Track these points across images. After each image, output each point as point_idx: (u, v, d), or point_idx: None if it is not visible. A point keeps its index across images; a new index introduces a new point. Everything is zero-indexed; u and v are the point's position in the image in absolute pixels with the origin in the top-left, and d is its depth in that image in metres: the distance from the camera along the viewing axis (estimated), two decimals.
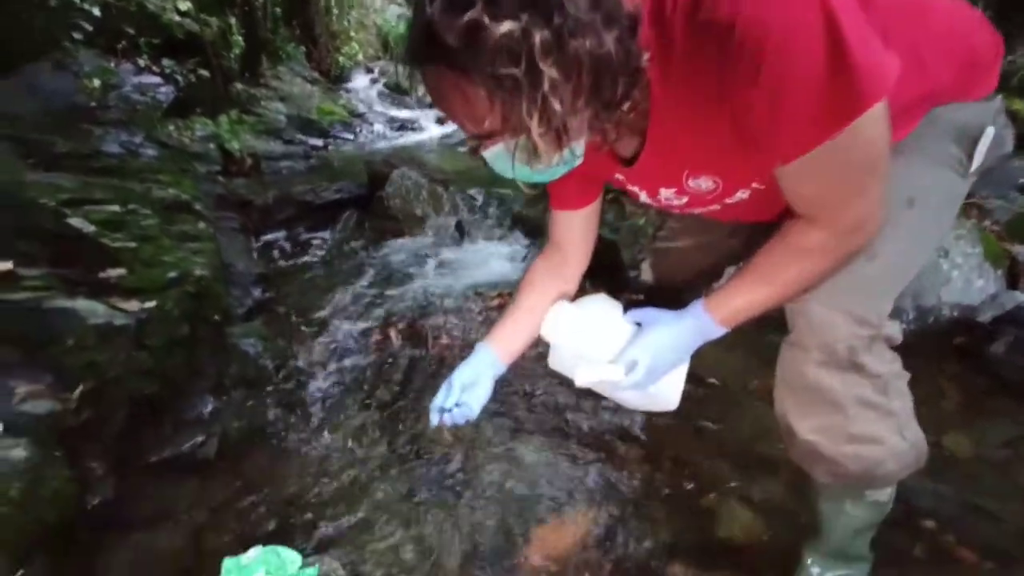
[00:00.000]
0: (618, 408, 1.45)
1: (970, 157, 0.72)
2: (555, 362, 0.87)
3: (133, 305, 1.29)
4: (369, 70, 8.50)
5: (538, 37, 0.47)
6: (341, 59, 7.86)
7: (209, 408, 1.49)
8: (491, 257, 2.56)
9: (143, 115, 3.81)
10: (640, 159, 0.71)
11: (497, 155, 0.61)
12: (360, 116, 6.32)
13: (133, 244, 1.47)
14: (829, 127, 0.54)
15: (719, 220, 0.94)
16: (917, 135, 0.71)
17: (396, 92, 7.74)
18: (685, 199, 0.77)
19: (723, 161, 0.68)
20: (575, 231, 0.92)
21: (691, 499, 1.19)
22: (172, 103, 4.15)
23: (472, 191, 3.07)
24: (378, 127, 6.08)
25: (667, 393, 0.81)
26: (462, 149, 4.89)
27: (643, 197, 0.83)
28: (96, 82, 3.62)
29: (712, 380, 1.51)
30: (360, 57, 8.25)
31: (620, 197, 2.55)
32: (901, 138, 0.70)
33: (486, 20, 0.46)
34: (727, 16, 0.51)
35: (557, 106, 0.50)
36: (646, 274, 1.31)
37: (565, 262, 0.94)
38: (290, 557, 0.92)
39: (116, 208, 1.58)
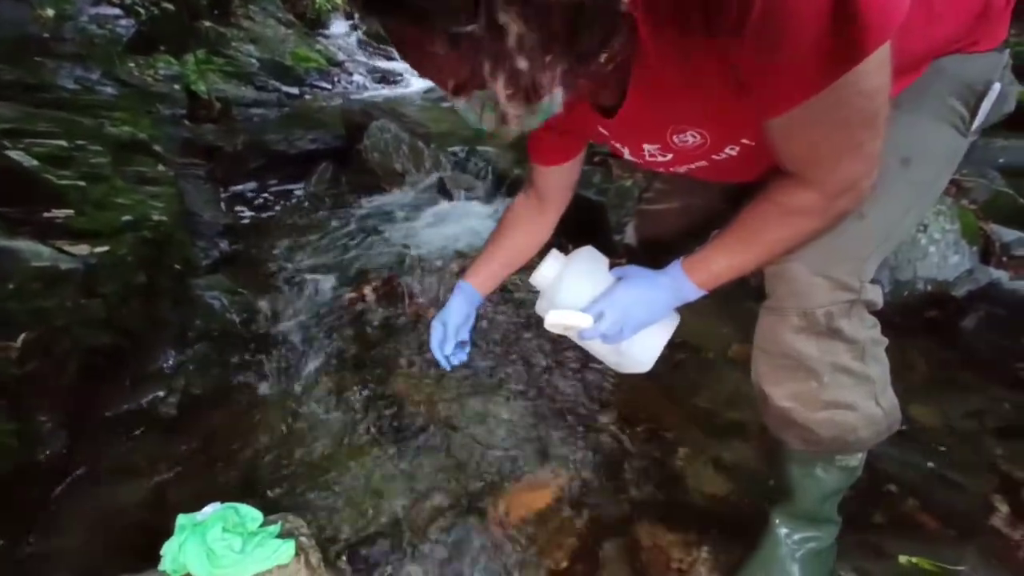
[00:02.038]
0: (594, 371, 1.44)
1: (973, 114, 0.68)
2: (540, 308, 0.88)
3: (82, 249, 1.20)
4: (349, 16, 8.03)
5: None
6: (319, 2, 7.40)
7: (171, 362, 1.42)
8: (473, 216, 2.49)
9: (101, 49, 3.54)
10: (622, 111, 0.66)
11: (466, 107, 0.54)
12: (339, 65, 6.00)
13: (81, 183, 1.36)
14: (827, 74, 0.49)
15: (707, 181, 0.90)
16: (918, 88, 0.66)
17: (377, 41, 7.36)
18: (670, 156, 0.73)
19: (711, 113, 0.63)
20: (553, 184, 0.92)
21: (663, 461, 1.20)
22: (133, 38, 3.86)
23: (455, 148, 2.97)
24: (358, 77, 5.79)
25: (640, 353, 0.81)
26: (446, 104, 4.71)
27: (627, 154, 0.78)
28: (50, 11, 3.33)
29: (690, 345, 1.50)
30: (339, 1, 7.78)
31: (608, 159, 2.49)
32: (901, 90, 0.66)
33: None
34: None
35: (523, 64, 0.44)
36: (630, 237, 1.28)
37: (543, 209, 0.95)
38: (251, 514, 0.88)
39: (62, 143, 1.44)
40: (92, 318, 1.20)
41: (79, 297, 1.17)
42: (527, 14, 0.42)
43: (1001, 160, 2.36)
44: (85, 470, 1.18)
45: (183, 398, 1.33)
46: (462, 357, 0.95)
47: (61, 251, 1.17)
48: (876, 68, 0.49)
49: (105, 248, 1.24)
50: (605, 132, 0.74)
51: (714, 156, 0.70)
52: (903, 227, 0.73)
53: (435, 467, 1.19)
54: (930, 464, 1.14)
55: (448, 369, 0.92)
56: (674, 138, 0.68)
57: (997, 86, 0.67)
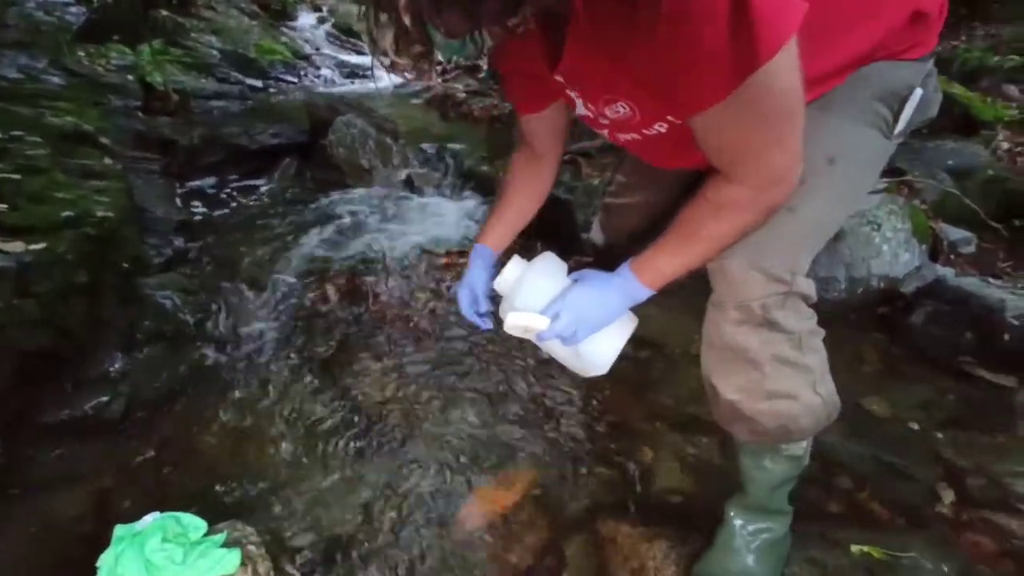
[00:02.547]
0: (559, 371, 1.43)
1: (896, 118, 0.71)
2: (502, 311, 0.89)
3: (16, 246, 1.13)
4: (317, 8, 7.85)
5: None
6: None
7: (117, 365, 1.35)
8: (441, 213, 2.45)
9: (48, 38, 3.34)
10: (561, 65, 0.68)
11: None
12: (305, 58, 5.85)
13: (16, 176, 1.27)
14: (728, 80, 0.52)
15: (663, 172, 0.94)
16: (845, 91, 0.69)
17: (346, 35, 7.20)
18: (607, 122, 0.75)
19: (635, 92, 0.66)
20: (540, 132, 0.93)
21: (627, 457, 1.20)
22: (84, 26, 3.66)
23: (424, 144, 2.93)
24: (325, 71, 5.65)
25: (597, 355, 0.82)
26: (416, 101, 4.64)
27: (579, 108, 0.80)
28: None
29: (654, 343, 1.51)
30: None
31: (577, 158, 2.50)
32: (828, 91, 0.69)
33: None
34: None
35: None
36: (596, 233, 1.28)
37: (537, 158, 0.97)
38: (193, 524, 0.84)
39: None
40: (27, 319, 1.13)
41: (12, 297, 1.09)
42: None
43: (950, 162, 2.46)
44: (21, 479, 1.11)
45: (129, 403, 1.26)
46: (489, 325, 0.97)
47: None
48: (783, 69, 0.52)
49: (42, 245, 1.16)
50: (560, 80, 0.75)
51: (645, 131, 0.72)
52: (832, 222, 0.77)
53: (397, 468, 1.17)
54: (880, 455, 1.18)
55: (484, 329, 0.95)
56: (607, 108, 0.71)
57: (919, 92, 0.70)
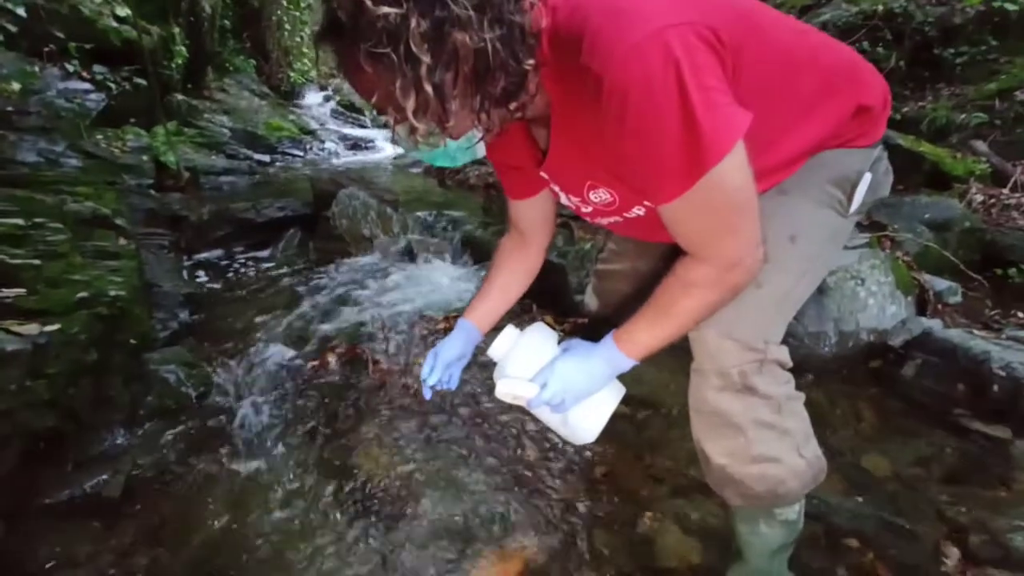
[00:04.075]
0: (558, 436, 1.44)
1: (850, 199, 0.78)
2: (495, 378, 0.92)
3: (31, 329, 1.17)
4: (323, 87, 8.38)
5: (415, 23, 0.52)
6: (293, 75, 7.72)
7: (118, 441, 1.36)
8: (440, 279, 2.53)
9: (68, 123, 3.55)
10: (549, 158, 0.76)
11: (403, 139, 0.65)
12: (311, 133, 6.19)
13: (36, 261, 1.34)
14: (683, 181, 0.60)
15: (647, 243, 1.00)
16: (802, 176, 0.77)
17: (350, 111, 7.65)
18: (591, 208, 0.82)
19: (612, 181, 0.73)
20: (529, 216, 0.98)
21: (629, 524, 1.19)
22: (102, 111, 3.89)
23: (423, 212, 3.05)
24: (329, 145, 5.96)
25: (584, 424, 0.85)
26: (415, 170, 4.86)
27: (563, 199, 0.87)
28: (15, 85, 3.35)
29: (651, 402, 1.53)
30: (313, 74, 8.13)
31: (569, 221, 2.60)
32: (786, 178, 0.76)
33: (368, 2, 0.52)
34: (597, 71, 0.57)
35: (430, 90, 0.55)
36: (589, 297, 1.33)
37: (526, 242, 1.01)
38: None
39: (19, 222, 1.44)
40: (37, 400, 1.15)
41: (25, 379, 1.13)
42: (436, 51, 0.54)
43: (927, 215, 2.56)
44: (20, 565, 1.09)
45: (129, 481, 1.26)
46: (448, 386, 0.98)
47: (8, 332, 1.14)
48: (731, 170, 0.59)
49: (56, 326, 1.21)
50: (544, 176, 0.83)
51: (625, 214, 0.79)
52: (799, 294, 0.82)
53: (400, 543, 1.16)
54: (884, 515, 1.17)
55: (427, 398, 0.95)
56: (590, 194, 0.78)
57: (868, 176, 0.78)
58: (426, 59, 0.53)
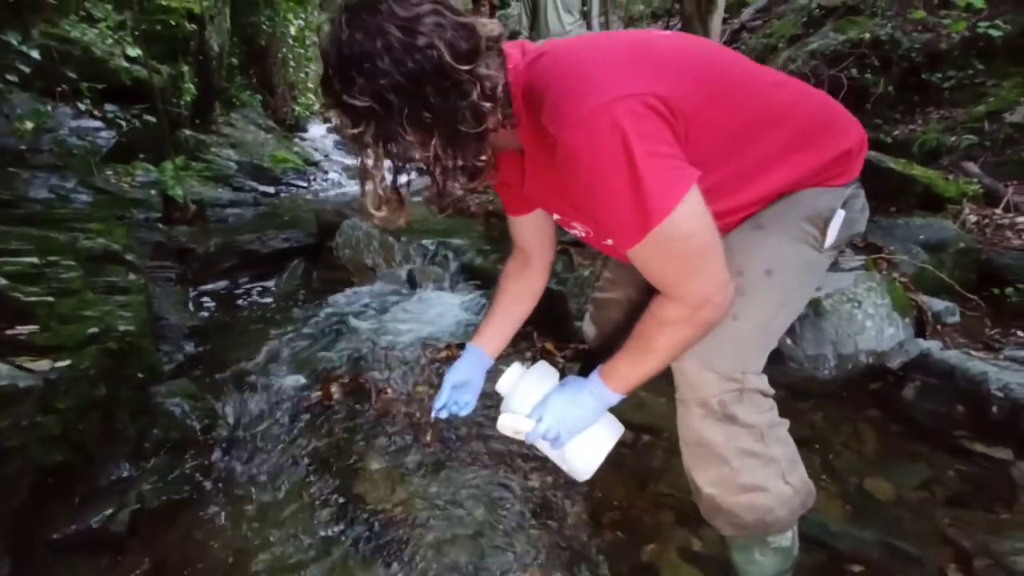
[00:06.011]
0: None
1: (824, 235, 0.82)
2: (501, 411, 0.94)
3: (43, 365, 1.20)
4: (327, 120, 8.55)
5: (373, 126, 0.64)
6: (298, 108, 7.92)
7: (125, 475, 1.38)
8: (442, 307, 2.55)
9: (79, 159, 3.67)
10: (526, 186, 0.81)
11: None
12: (315, 164, 6.33)
13: (50, 298, 1.38)
14: (635, 234, 0.66)
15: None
16: (778, 212, 0.80)
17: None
18: (575, 232, 0.88)
19: (581, 215, 0.79)
20: (529, 233, 1.01)
21: (633, 554, 1.19)
22: (112, 148, 4.02)
23: (425, 241, 3.10)
24: (333, 175, 6.08)
25: (581, 461, 0.87)
26: (416, 199, 4.94)
27: (555, 215, 0.93)
28: (29, 124, 3.46)
29: (652, 428, 1.53)
30: (317, 107, 8.33)
31: (569, 248, 2.64)
32: (756, 212, 0.81)
33: (345, 96, 0.63)
34: (554, 134, 0.64)
35: (402, 134, 0.65)
36: (587, 326, 1.35)
37: (529, 262, 1.04)
38: None
39: (34, 260, 1.49)
40: (47, 435, 1.17)
41: (36, 415, 1.15)
42: (409, 104, 0.62)
43: (922, 236, 2.58)
44: None
45: (135, 514, 1.27)
46: (457, 413, 1.00)
47: (20, 368, 1.18)
48: (682, 220, 0.64)
49: (67, 362, 1.24)
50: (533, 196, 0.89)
51: (604, 242, 0.84)
52: (777, 326, 0.84)
53: (405, 574, 1.15)
54: (888, 539, 1.16)
55: (434, 419, 0.98)
56: (566, 226, 0.84)
57: (841, 214, 0.82)
58: (400, 106, 0.63)
